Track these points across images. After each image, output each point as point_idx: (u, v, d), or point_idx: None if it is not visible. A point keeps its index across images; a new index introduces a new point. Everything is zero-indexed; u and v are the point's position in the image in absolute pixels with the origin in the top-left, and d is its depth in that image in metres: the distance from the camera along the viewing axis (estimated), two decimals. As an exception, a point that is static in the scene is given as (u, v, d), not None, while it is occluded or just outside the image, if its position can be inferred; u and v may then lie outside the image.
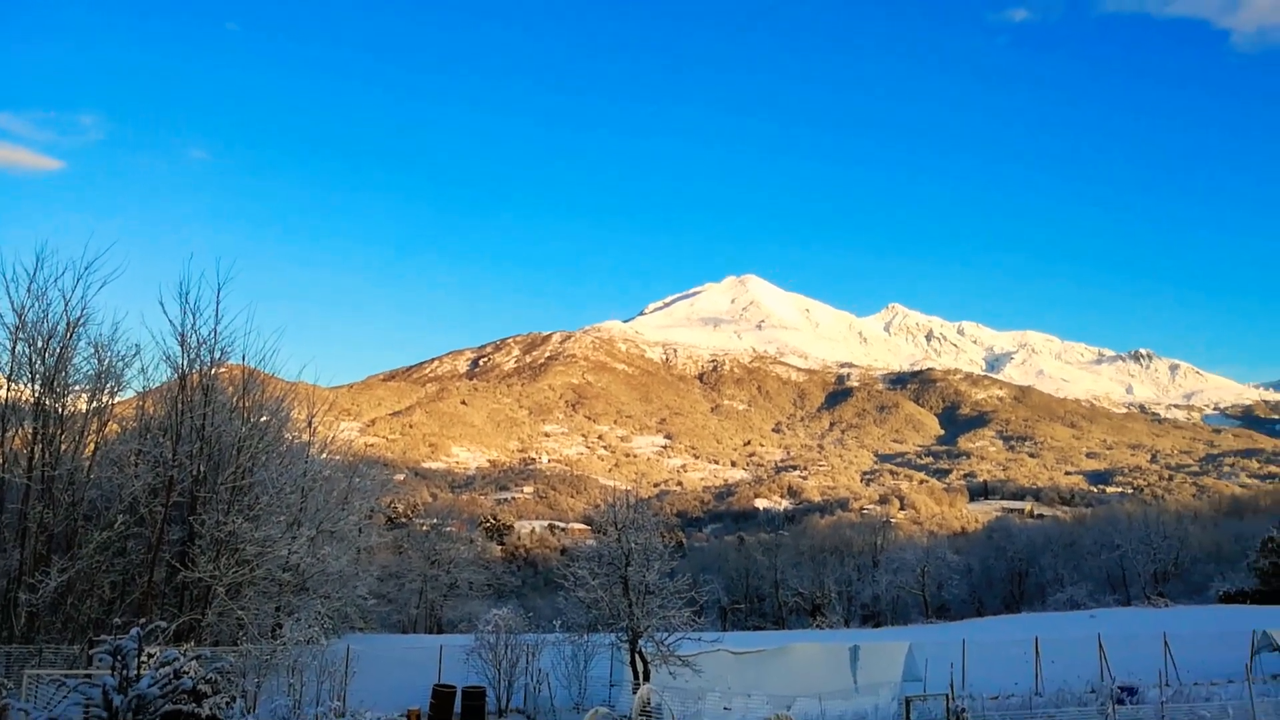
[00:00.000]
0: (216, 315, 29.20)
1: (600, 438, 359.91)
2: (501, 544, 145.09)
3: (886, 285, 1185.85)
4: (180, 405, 28.45)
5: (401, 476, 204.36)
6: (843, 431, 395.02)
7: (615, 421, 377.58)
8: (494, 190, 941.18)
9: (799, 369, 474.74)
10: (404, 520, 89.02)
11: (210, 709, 19.36)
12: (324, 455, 39.19)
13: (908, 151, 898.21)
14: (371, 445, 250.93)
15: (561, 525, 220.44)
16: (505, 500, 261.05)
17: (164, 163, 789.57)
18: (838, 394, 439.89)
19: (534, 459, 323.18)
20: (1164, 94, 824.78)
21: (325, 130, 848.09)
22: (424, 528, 70.64)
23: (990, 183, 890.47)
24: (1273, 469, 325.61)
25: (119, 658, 18.72)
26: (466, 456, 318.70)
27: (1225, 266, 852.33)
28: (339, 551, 34.66)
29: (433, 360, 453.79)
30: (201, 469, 28.26)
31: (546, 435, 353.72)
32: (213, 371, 29.88)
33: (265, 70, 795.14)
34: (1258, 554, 66.44)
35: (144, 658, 19.29)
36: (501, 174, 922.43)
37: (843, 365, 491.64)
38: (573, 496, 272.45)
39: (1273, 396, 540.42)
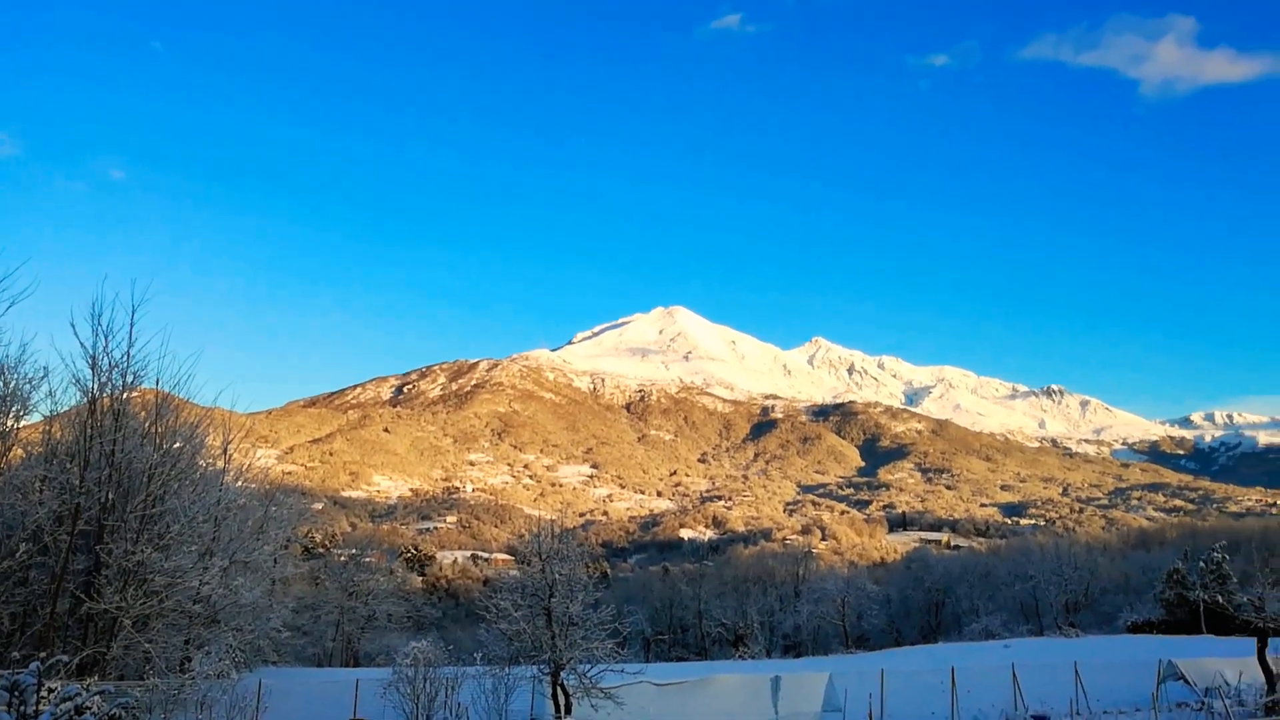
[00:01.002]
0: (130, 338, 28.32)
1: (526, 467, 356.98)
2: (422, 575, 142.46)
3: (811, 319, 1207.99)
4: (89, 430, 27.45)
5: (320, 505, 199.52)
6: (767, 462, 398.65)
7: (541, 450, 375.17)
8: (422, 219, 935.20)
9: (725, 400, 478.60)
10: (321, 550, 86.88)
11: (113, 747, 18.60)
12: (239, 483, 38.14)
13: (832, 190, 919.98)
14: (289, 473, 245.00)
15: (485, 556, 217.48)
16: (427, 530, 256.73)
17: (80, 181, 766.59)
18: (762, 425, 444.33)
19: (458, 488, 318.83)
20: (1077, 137, 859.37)
21: (248, 157, 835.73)
22: (342, 558, 68.97)
23: (910, 222, 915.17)
24: (1178, 503, 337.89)
25: (17, 694, 17.88)
26: (388, 485, 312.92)
27: (1134, 307, 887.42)
28: (253, 582, 33.71)
29: (355, 387, 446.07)
30: (110, 496, 27.28)
31: (471, 464, 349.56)
32: (125, 396, 28.92)
33: (189, 93, 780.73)
34: (1163, 585, 68.62)
35: (44, 693, 18.46)
36: (429, 205, 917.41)
37: (767, 397, 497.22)
38: (497, 526, 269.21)
39: (1178, 433, 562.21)
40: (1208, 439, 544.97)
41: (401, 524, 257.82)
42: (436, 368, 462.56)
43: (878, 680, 30.76)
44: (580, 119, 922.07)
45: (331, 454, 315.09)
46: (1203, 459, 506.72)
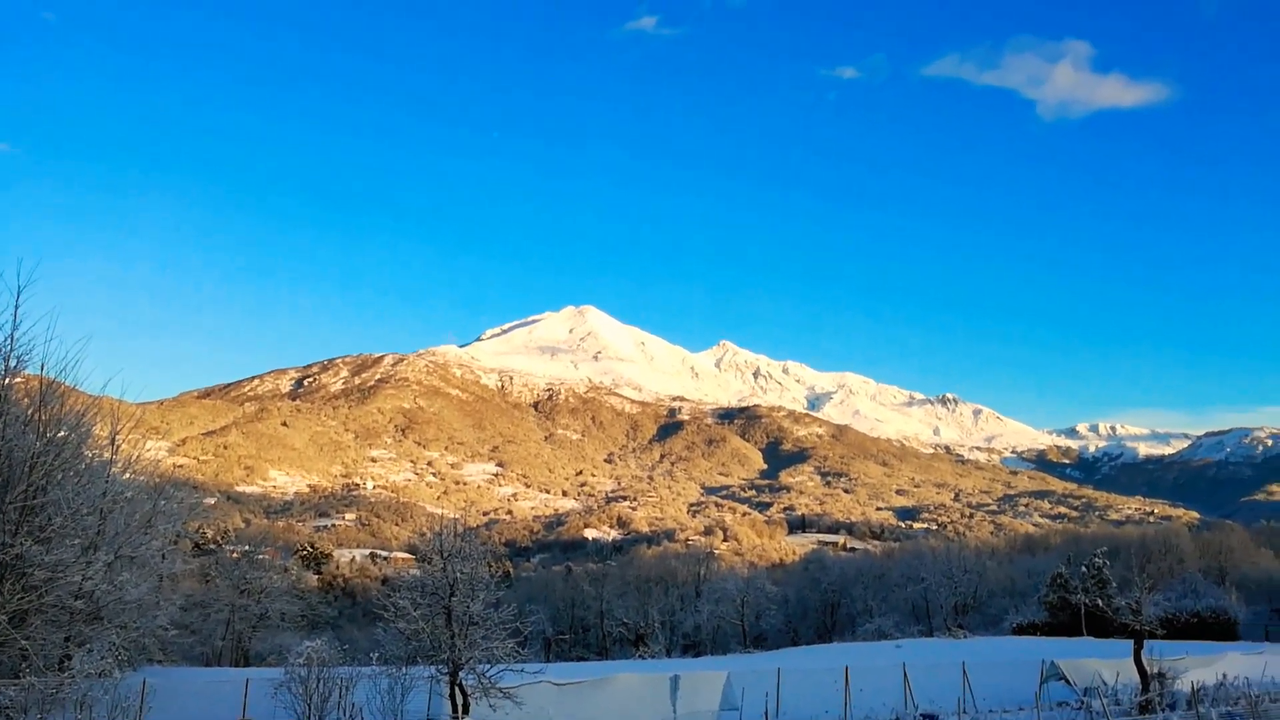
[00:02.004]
0: (15, 320, 26.97)
1: (430, 464, 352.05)
2: (319, 573, 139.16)
3: (719, 322, 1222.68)
4: (-35, 416, 26.06)
5: (213, 500, 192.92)
6: (672, 463, 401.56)
7: (446, 448, 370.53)
8: (329, 209, 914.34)
9: (633, 401, 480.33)
10: (213, 547, 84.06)
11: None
12: (127, 475, 36.70)
13: (742, 194, 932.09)
14: (181, 466, 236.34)
15: (384, 554, 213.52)
16: (325, 528, 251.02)
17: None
18: (669, 427, 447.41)
19: (358, 485, 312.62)
20: (977, 154, 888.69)
21: (146, 138, 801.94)
22: (234, 555, 66.85)
23: (816, 228, 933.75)
24: (1062, 509, 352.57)
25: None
26: (285, 481, 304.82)
27: (1025, 320, 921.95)
28: (139, 578, 32.48)
29: (253, 379, 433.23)
30: (-13, 487, 25.95)
31: (373, 460, 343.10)
32: (6, 381, 27.55)
33: (81, 65, 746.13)
34: (1047, 589, 71.34)
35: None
36: (337, 195, 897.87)
37: (675, 399, 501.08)
38: (398, 524, 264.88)
39: (1064, 442, 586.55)
40: (1092, 449, 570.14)
41: (298, 521, 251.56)
42: (339, 361, 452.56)
43: (774, 679, 31.28)
44: (494, 112, 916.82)
45: (226, 447, 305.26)
46: (1087, 468, 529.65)
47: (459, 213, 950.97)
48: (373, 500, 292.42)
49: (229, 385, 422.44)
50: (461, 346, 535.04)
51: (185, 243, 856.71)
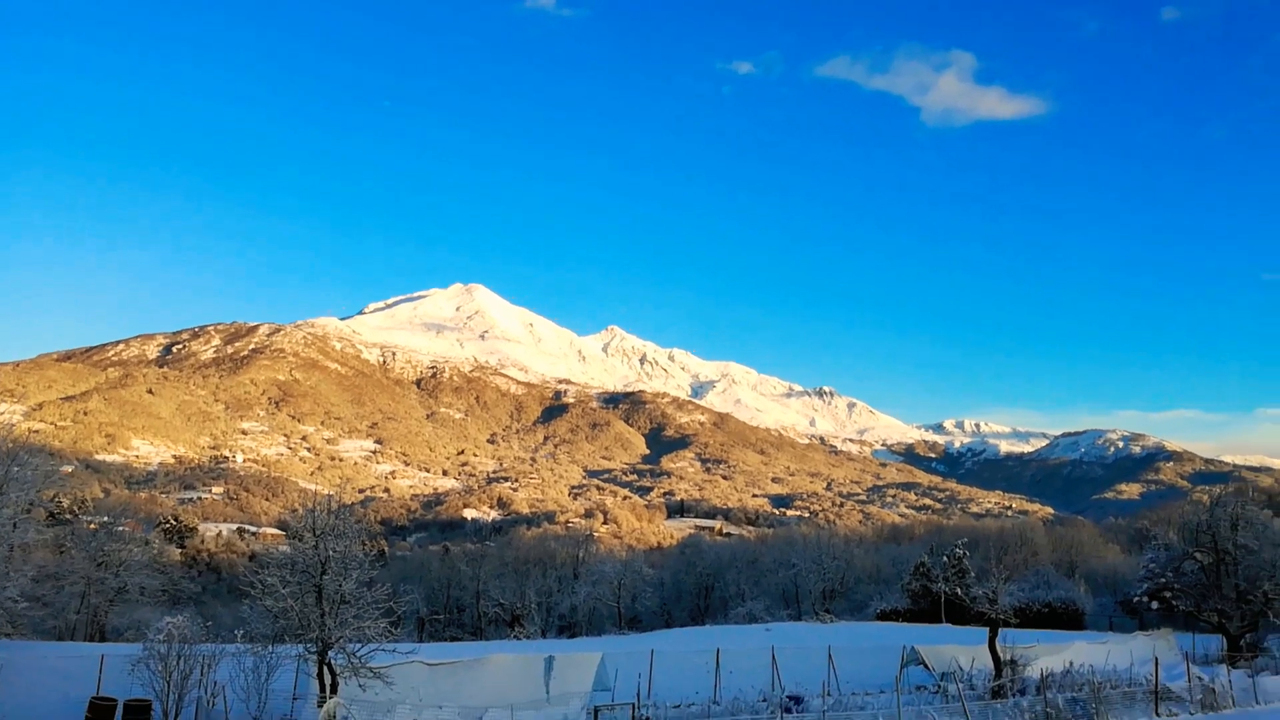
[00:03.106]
0: None
1: (304, 439, 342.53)
2: (182, 547, 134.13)
3: (608, 307, 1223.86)
4: None
5: (70, 469, 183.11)
6: (556, 446, 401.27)
7: (323, 423, 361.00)
8: (208, 173, 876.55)
9: (519, 382, 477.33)
10: (69, 517, 79.90)
11: None
12: (-25, 439, 34.68)
13: (635, 179, 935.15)
14: (37, 432, 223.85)
15: (253, 529, 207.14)
16: (191, 500, 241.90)
17: None
18: (554, 409, 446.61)
19: (227, 457, 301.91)
20: (866, 154, 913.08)
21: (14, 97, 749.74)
22: (92, 526, 63.85)
23: (706, 218, 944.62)
24: (927, 501, 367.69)
25: None
26: (149, 451, 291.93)
27: (900, 317, 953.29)
28: (-14, 549, 30.76)
29: (118, 343, 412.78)
30: None
31: (244, 433, 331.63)
32: None
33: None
34: (910, 577, 74.37)
35: None
36: (217, 158, 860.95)
37: (561, 381, 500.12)
38: (268, 500, 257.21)
39: (930, 437, 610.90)
40: (957, 445, 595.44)
41: (162, 493, 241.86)
42: (211, 328, 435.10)
43: (647, 660, 31.73)
44: (387, 84, 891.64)
45: (86, 414, 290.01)
46: (951, 462, 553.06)
47: (343, 185, 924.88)
48: (242, 474, 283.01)
49: (91, 349, 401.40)
50: (343, 319, 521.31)
51: (49, 201, 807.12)
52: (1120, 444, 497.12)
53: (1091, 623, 68.07)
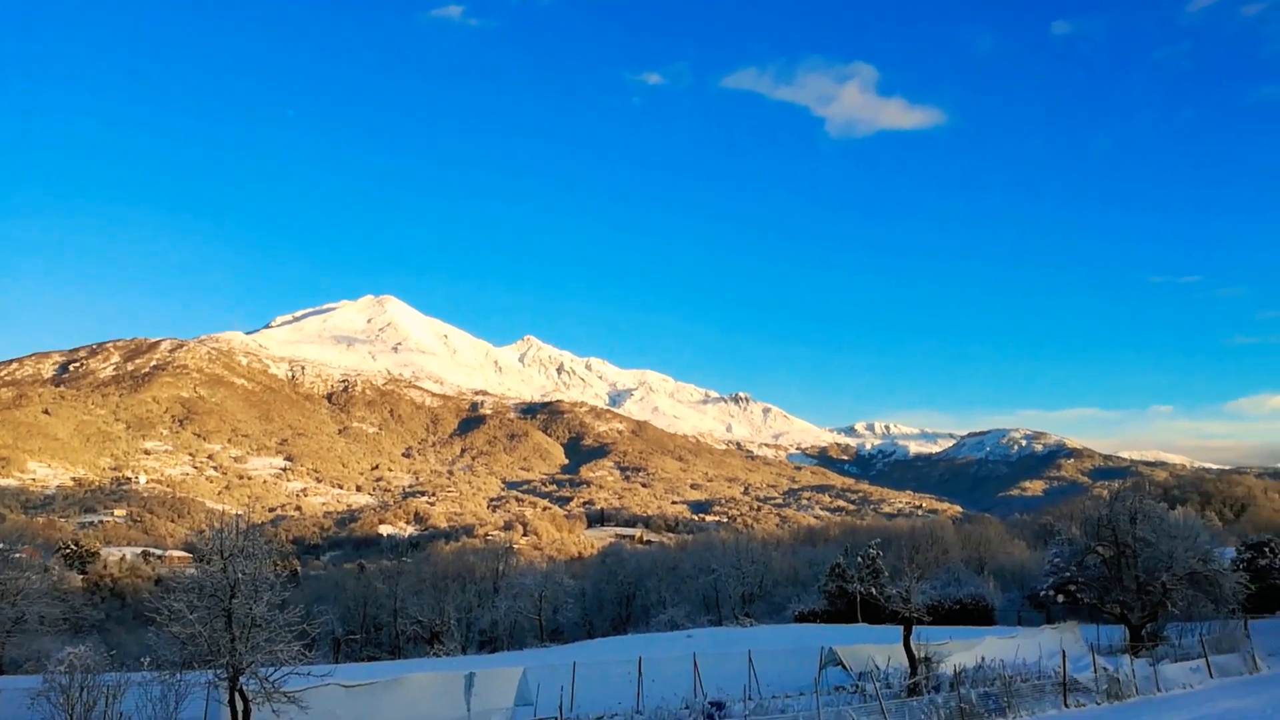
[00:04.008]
0: None
1: (211, 457, 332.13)
2: (84, 573, 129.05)
3: (524, 317, 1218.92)
4: None
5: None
6: (473, 458, 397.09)
7: (230, 440, 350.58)
8: (101, 188, 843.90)
9: (434, 394, 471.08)
10: (-43, 546, 75.87)
11: None
12: None
13: (544, 189, 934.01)
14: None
15: (158, 553, 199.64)
16: (92, 524, 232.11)
17: None
18: (471, 421, 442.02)
19: (130, 479, 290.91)
20: (772, 165, 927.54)
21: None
22: (-17, 554, 60.66)
23: (619, 228, 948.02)
24: (841, 503, 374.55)
25: None
26: (46, 473, 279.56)
27: (812, 323, 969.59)
28: None
29: (11, 362, 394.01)
30: None
31: (147, 453, 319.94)
32: None
33: None
34: (826, 578, 75.49)
35: None
36: (109, 175, 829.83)
37: (477, 393, 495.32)
38: (174, 521, 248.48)
39: (843, 440, 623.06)
40: (868, 447, 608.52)
41: (61, 517, 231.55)
42: (110, 345, 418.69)
43: (569, 673, 31.55)
44: (291, 97, 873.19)
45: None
46: (864, 464, 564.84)
47: (246, 196, 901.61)
48: (146, 495, 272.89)
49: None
50: (249, 334, 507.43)
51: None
52: (1023, 442, 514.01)
53: (1001, 618, 69.91)
